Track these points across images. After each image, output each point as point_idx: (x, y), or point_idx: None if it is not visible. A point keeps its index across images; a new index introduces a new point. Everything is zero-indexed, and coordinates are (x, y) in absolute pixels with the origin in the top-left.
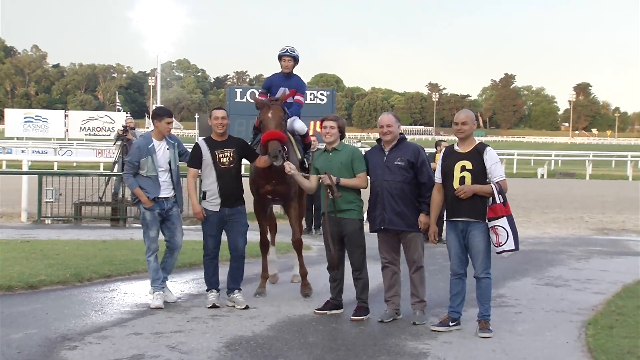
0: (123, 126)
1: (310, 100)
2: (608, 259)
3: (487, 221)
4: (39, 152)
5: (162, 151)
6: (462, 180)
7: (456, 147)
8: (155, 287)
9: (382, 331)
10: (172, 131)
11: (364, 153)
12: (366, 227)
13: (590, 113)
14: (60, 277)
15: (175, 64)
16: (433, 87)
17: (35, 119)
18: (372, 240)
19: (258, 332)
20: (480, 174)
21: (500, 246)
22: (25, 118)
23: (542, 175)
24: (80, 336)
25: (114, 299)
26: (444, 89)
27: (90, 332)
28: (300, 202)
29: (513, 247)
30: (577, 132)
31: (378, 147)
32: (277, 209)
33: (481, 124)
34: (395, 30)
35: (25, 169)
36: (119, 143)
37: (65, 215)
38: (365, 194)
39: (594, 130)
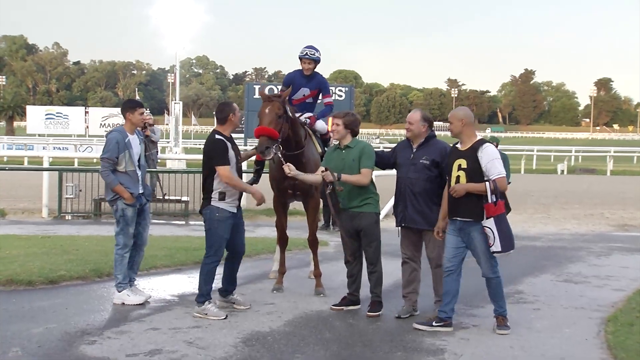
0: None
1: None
2: (629, 256)
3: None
4: (60, 148)
5: (136, 146)
6: (457, 179)
7: (457, 145)
8: (124, 285)
9: (399, 327)
10: (195, 128)
11: (395, 144)
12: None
13: (611, 108)
14: (79, 273)
15: (194, 61)
16: (452, 82)
17: (57, 116)
18: (390, 237)
19: (275, 328)
20: (475, 172)
21: (490, 247)
22: (46, 115)
23: (562, 171)
24: (99, 331)
25: None
26: (463, 84)
27: (109, 327)
28: (318, 200)
29: (499, 249)
30: (598, 127)
31: (407, 142)
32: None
33: (500, 119)
34: (414, 25)
35: (46, 165)
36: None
37: (85, 211)
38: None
39: (616, 126)
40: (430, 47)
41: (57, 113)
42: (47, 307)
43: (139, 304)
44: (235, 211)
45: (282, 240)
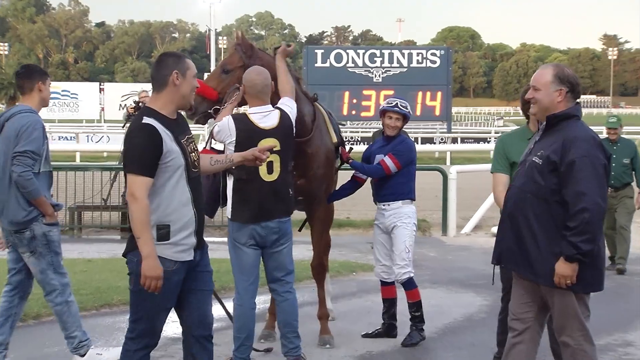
0: (135, 102)
1: (418, 62)
2: None
3: None
4: (66, 138)
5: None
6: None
7: None
8: (85, 343)
9: None
10: None
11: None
12: None
13: None
14: None
15: (254, 19)
16: (609, 40)
17: (62, 95)
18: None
19: None
20: None
21: None
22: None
23: None
24: None
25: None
26: (625, 42)
27: None
28: (329, 208)
29: None
30: None
31: (538, 124)
32: None
33: None
34: None
35: None
36: (128, 125)
37: (61, 225)
38: None
39: None
40: None
41: (62, 91)
42: None
43: None
44: None
45: None
